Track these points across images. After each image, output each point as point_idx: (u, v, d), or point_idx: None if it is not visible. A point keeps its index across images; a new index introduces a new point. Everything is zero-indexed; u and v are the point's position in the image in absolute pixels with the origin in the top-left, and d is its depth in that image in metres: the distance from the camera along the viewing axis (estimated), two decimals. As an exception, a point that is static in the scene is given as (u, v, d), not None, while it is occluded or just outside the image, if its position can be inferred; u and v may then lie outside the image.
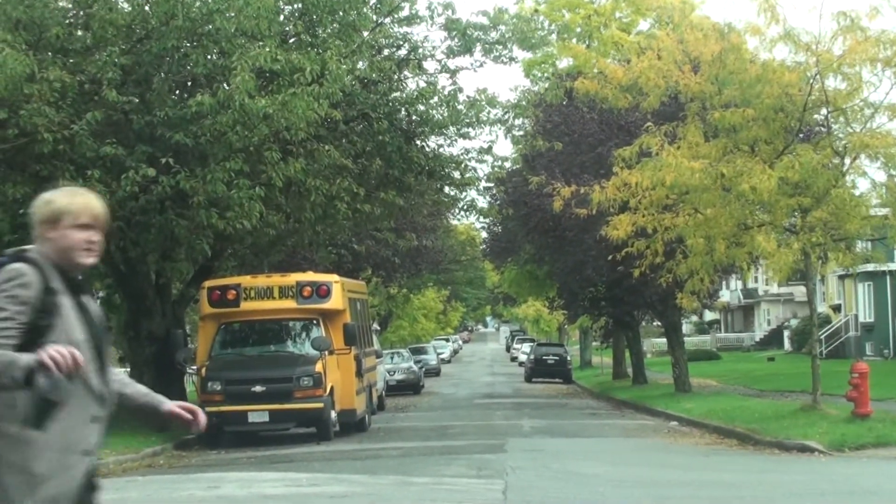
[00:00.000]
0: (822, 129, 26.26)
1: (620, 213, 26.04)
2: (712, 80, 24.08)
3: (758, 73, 23.39)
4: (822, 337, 66.04)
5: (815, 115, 25.03)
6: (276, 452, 23.81)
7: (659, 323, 51.07)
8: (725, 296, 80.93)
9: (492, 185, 41.03)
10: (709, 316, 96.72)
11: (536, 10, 52.03)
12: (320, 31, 28.08)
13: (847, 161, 24.43)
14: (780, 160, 23.53)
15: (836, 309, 71.49)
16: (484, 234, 63.90)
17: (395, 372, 51.90)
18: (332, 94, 24.83)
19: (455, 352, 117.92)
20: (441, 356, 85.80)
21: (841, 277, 66.76)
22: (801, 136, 25.64)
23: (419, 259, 55.56)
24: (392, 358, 54.29)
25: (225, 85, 25.07)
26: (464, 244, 78.39)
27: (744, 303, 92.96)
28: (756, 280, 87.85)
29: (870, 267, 48.28)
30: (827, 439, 21.12)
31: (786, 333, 79.63)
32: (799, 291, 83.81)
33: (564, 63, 55.13)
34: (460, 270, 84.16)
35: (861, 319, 65.53)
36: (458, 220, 59.28)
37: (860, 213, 24.44)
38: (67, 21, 26.65)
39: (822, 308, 74.26)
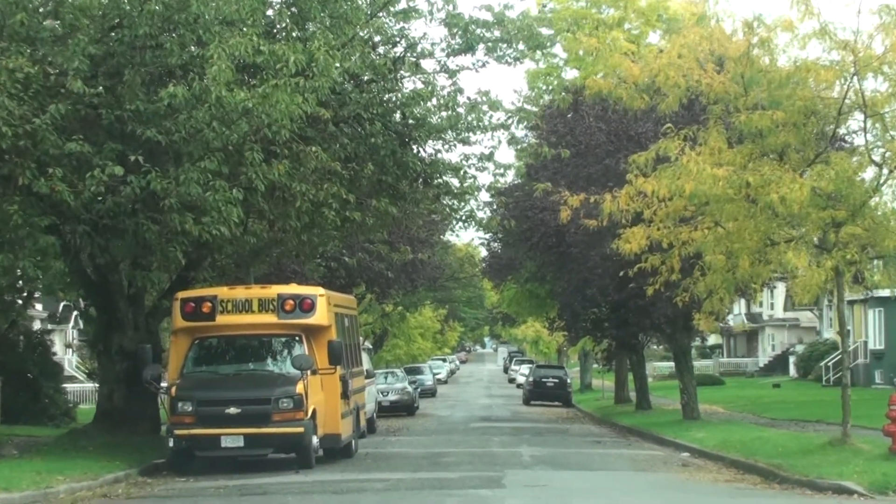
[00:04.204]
0: (857, 137, 24.19)
1: (633, 226, 23.97)
2: (737, 80, 22.02)
3: (789, 71, 21.34)
4: (830, 364, 64.15)
5: (851, 121, 22.92)
6: (249, 482, 21.97)
7: (663, 346, 49.08)
8: (729, 320, 79.00)
9: (492, 199, 39.03)
10: (712, 340, 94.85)
11: (541, 11, 50.35)
12: (310, 26, 26.05)
13: (885, 171, 22.30)
14: (812, 169, 21.45)
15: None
16: (483, 252, 62.07)
17: (388, 392, 50.57)
18: (319, 89, 22.82)
19: (452, 372, 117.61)
20: (437, 376, 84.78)
21: (850, 303, 64.67)
22: (833, 144, 23.56)
23: (415, 274, 53.66)
24: (386, 378, 52.85)
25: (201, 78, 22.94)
26: (462, 261, 76.88)
27: (748, 327, 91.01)
28: (761, 304, 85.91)
29: (881, 293, 46.24)
30: (866, 480, 18.94)
31: (791, 359, 77.96)
32: (805, 317, 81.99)
33: (570, 75, 53.41)
34: (458, 289, 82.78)
35: (871, 346, 63.74)
36: (456, 234, 57.41)
37: (899, 228, 22.27)
38: (36, 7, 24.58)
39: (828, 334, 72.32)
